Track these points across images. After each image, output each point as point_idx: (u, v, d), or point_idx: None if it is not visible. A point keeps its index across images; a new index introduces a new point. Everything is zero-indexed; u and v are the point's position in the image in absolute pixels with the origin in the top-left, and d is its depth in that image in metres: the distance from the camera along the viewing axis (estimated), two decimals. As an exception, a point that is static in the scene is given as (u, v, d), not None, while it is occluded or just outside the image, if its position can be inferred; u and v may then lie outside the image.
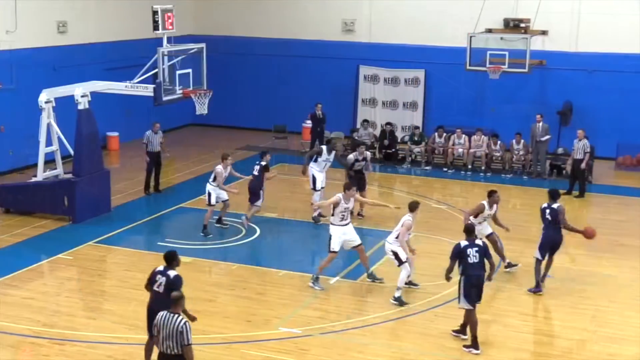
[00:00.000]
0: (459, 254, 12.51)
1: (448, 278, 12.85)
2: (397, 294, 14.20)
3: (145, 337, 11.49)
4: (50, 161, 19.86)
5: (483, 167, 24.53)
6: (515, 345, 12.86)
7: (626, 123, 24.84)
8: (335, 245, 14.75)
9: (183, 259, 15.90)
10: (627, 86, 25.35)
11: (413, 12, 27.46)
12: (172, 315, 9.78)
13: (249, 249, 17.24)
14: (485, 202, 15.28)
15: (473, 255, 12.44)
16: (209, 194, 18.02)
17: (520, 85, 25.93)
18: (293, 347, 12.57)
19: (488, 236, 15.29)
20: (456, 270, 12.64)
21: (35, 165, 19.50)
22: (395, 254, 14.18)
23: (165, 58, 19.00)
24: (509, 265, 15.93)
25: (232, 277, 15.56)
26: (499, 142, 24.47)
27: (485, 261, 12.59)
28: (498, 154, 24.59)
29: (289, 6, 29.24)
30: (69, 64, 23.93)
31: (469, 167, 24.64)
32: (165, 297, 10.87)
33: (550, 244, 14.77)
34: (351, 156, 19.47)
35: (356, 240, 15.02)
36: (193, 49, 20.04)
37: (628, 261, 16.81)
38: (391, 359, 12.36)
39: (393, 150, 25.74)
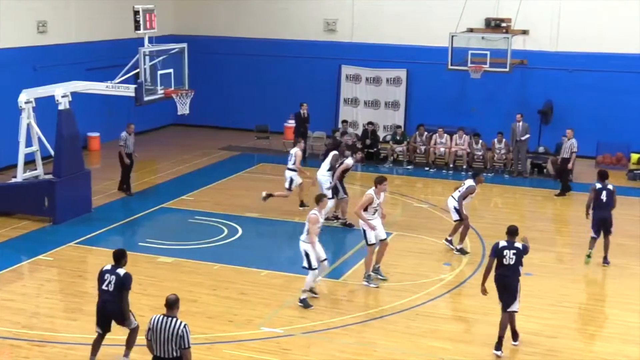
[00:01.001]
0: (496, 253, 12.44)
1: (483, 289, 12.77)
2: (302, 296, 14.10)
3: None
4: (30, 162, 19.73)
5: (465, 166, 24.62)
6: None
7: (606, 122, 25.08)
8: (372, 238, 14.97)
9: (165, 259, 16.15)
10: (607, 86, 25.57)
11: (395, 12, 27.57)
12: (169, 318, 9.76)
13: (231, 249, 17.21)
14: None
15: (509, 257, 12.36)
16: (291, 180, 18.39)
17: (501, 85, 26.09)
18: (275, 346, 12.58)
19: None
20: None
21: (15, 165, 19.42)
22: (307, 255, 13.96)
23: (147, 58, 18.92)
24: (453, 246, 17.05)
25: (214, 277, 15.53)
26: (480, 141, 24.59)
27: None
28: (479, 153, 24.70)
29: (271, 6, 29.26)
30: (49, 64, 23.80)
31: (451, 166, 24.74)
32: (115, 295, 11.10)
33: (601, 223, 16.03)
34: (350, 161, 18.75)
35: (383, 234, 15.27)
36: (174, 49, 20.02)
37: (611, 259, 16.83)
38: (373, 358, 12.39)
39: (375, 149, 25.79)
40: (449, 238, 17.21)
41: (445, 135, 24.95)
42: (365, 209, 14.95)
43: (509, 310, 12.38)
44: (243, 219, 18.87)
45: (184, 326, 9.71)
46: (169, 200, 20.64)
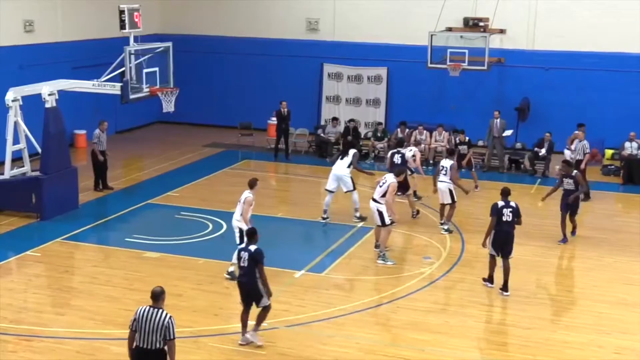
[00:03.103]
0: (496, 212, 14.56)
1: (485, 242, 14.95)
2: (230, 269, 15.18)
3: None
4: (17, 159, 19.78)
5: (444, 162, 24.97)
6: (475, 334, 13.25)
7: (581, 119, 25.02)
8: (388, 219, 16.22)
9: (150, 254, 16.38)
10: (582, 83, 25.98)
11: (376, 11, 27.84)
12: (155, 310, 9.83)
13: (216, 244, 17.32)
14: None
15: (507, 215, 14.53)
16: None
17: (479, 83, 26.45)
18: (260, 339, 12.63)
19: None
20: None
21: (3, 163, 19.48)
22: (241, 232, 14.82)
23: (132, 57, 19.01)
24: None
25: (199, 271, 15.65)
26: (461, 137, 24.91)
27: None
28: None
29: (254, 5, 29.43)
30: (36, 63, 23.84)
31: (431, 162, 25.04)
32: (249, 271, 12.03)
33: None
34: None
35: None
36: (160, 47, 20.09)
37: (584, 252, 17.33)
38: (355, 350, 12.49)
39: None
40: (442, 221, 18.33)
41: (425, 131, 25.32)
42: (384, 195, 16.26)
43: (510, 257, 14.66)
44: (228, 215, 18.78)
45: (170, 317, 9.77)
46: (154, 196, 20.75)
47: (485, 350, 12.59)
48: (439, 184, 18.20)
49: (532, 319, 13.87)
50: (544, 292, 15.13)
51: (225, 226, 18.30)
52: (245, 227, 14.55)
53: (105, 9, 25.44)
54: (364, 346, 12.63)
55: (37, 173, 19.14)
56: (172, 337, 9.77)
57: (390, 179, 16.39)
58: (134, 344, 9.87)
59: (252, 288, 12.21)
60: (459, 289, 15.26)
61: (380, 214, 16.24)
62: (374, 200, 16.40)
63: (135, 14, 19.32)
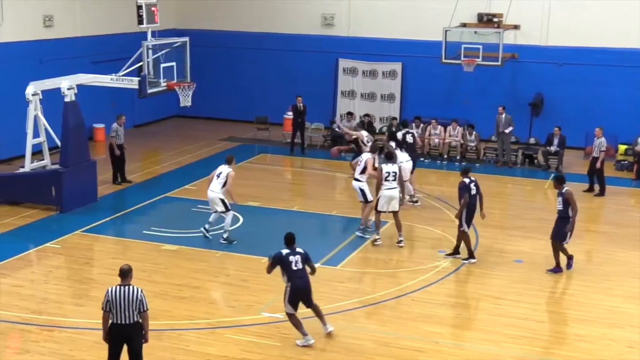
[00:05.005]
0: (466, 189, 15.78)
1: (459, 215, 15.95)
2: (225, 235, 16.81)
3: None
4: (37, 152, 19.99)
5: (458, 157, 25.10)
6: (488, 327, 13.27)
7: (594, 114, 25.34)
8: (370, 196, 17.35)
9: (168, 246, 16.57)
10: (595, 79, 25.96)
11: (391, 6, 27.92)
12: (126, 287, 10.39)
13: (232, 237, 17.29)
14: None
15: (473, 188, 15.92)
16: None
17: (493, 78, 26.49)
18: (275, 331, 12.77)
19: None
20: None
21: (23, 156, 19.64)
22: (223, 201, 16.67)
23: (150, 51, 19.12)
24: None
25: (216, 264, 15.79)
26: (474, 132, 25.11)
27: None
28: (473, 144, 25.20)
29: (270, 1, 29.56)
30: (55, 57, 24.09)
31: (445, 156, 25.19)
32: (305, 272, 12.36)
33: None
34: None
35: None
36: (177, 42, 20.17)
37: (597, 246, 17.41)
38: (370, 342, 12.54)
39: (371, 141, 26.25)
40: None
41: (439, 126, 25.44)
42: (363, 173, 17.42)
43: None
44: (244, 208, 19.08)
45: (141, 291, 10.41)
46: (172, 189, 20.91)
47: (498, 344, 12.65)
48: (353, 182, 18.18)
49: (545, 312, 13.98)
50: (556, 286, 15.17)
51: (241, 219, 18.46)
52: (227, 200, 16.50)
53: (123, 5, 25.57)
54: (378, 338, 12.70)
55: (57, 166, 19.29)
56: (145, 308, 10.46)
57: (365, 156, 17.82)
58: (109, 322, 10.47)
59: (309, 286, 12.39)
60: (472, 282, 15.35)
61: (362, 191, 17.51)
62: (356, 179, 17.65)
63: (153, 9, 19.39)
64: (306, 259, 12.37)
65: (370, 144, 20.47)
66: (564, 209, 15.39)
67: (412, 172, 19.88)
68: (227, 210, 16.82)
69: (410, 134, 21.00)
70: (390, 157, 17.53)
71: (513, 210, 20.13)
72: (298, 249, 12.37)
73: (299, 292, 12.24)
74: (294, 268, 12.21)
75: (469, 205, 15.82)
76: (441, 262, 16.10)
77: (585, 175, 21.91)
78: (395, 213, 17.00)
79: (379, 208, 16.92)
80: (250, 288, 14.66)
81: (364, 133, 21.83)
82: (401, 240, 16.97)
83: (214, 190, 16.72)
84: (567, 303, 14.61)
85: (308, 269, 12.46)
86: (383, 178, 16.71)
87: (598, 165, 21.37)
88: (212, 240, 17.00)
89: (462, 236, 16.00)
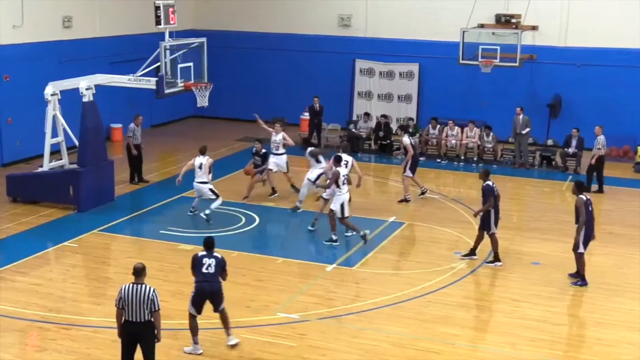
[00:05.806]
0: (490, 193, 15.80)
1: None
2: (207, 212, 17.94)
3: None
4: (56, 152, 20.11)
5: (475, 158, 25.04)
6: (506, 330, 13.22)
7: (612, 115, 25.19)
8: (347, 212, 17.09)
9: (185, 246, 16.60)
10: (614, 80, 25.83)
11: (408, 7, 27.91)
12: (139, 285, 10.47)
13: (248, 237, 17.54)
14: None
15: (497, 189, 15.92)
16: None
17: (511, 79, 26.41)
18: (291, 331, 12.78)
19: None
20: None
21: (42, 156, 19.76)
22: (212, 190, 18.09)
23: (167, 52, 19.13)
24: None
25: (232, 264, 15.44)
26: (491, 133, 25.01)
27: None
28: (490, 146, 25.11)
29: (287, 1, 29.64)
30: (74, 58, 24.25)
31: (462, 158, 25.14)
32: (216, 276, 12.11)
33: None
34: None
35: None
36: (194, 43, 20.16)
37: (615, 249, 17.25)
38: (386, 343, 12.54)
39: (388, 141, 26.18)
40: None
41: (456, 127, 25.36)
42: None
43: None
44: (260, 208, 19.16)
45: (154, 291, 10.47)
46: (188, 189, 20.61)
47: (515, 346, 12.61)
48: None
49: (563, 315, 13.93)
50: (575, 289, 15.05)
51: (257, 219, 18.50)
52: (210, 184, 17.97)
53: (141, 5, 25.68)
54: (394, 340, 12.69)
55: (75, 166, 19.40)
56: (157, 308, 10.51)
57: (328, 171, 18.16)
58: (123, 319, 10.58)
59: (218, 291, 12.16)
60: (489, 284, 15.32)
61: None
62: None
63: (171, 9, 19.43)
64: (221, 266, 12.11)
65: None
66: (577, 216, 15.15)
67: (413, 173, 20.13)
68: (217, 197, 18.21)
69: (412, 137, 21.08)
70: (340, 160, 17.49)
71: (530, 212, 20.05)
72: (216, 254, 12.16)
73: (204, 295, 12.08)
74: (204, 271, 12.02)
75: (494, 207, 15.86)
76: (457, 264, 16.06)
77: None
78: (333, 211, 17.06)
79: (346, 214, 16.92)
80: (266, 288, 14.69)
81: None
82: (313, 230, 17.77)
83: (201, 181, 18.15)
84: (585, 306, 14.51)
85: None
86: (340, 182, 16.78)
87: (593, 162, 21.42)
88: (220, 239, 16.90)
89: (493, 239, 15.97)
